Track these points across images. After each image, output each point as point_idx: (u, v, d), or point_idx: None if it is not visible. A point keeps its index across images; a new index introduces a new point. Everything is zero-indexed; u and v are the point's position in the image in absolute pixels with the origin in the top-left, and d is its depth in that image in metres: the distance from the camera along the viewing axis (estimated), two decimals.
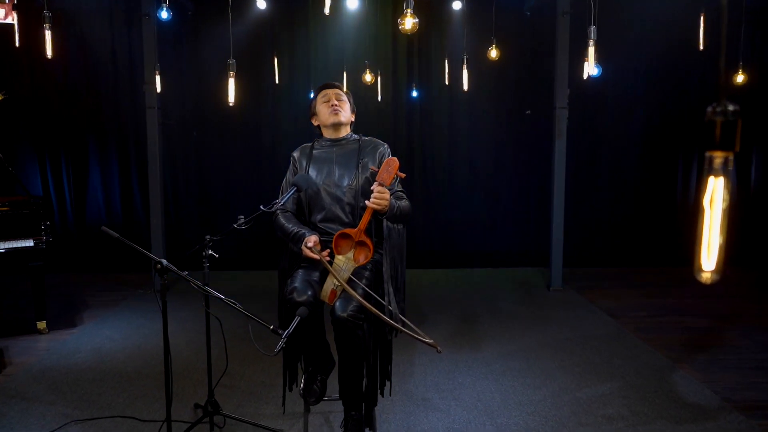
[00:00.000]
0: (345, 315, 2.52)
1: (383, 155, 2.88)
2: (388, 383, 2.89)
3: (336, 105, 2.89)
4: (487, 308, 5.29)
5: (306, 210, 2.83)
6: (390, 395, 2.99)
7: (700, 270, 0.92)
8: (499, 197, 7.05)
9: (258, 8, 5.26)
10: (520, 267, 6.90)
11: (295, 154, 2.96)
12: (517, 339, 4.46)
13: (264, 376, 3.71)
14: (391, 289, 2.61)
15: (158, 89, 5.09)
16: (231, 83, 3.53)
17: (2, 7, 4.81)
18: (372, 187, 2.58)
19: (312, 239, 2.66)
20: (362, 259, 2.64)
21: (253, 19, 6.28)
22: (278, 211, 2.80)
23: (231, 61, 3.50)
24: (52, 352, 4.14)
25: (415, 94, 6.80)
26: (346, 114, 2.94)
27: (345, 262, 2.63)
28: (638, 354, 4.12)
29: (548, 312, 5.17)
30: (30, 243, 4.33)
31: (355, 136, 2.96)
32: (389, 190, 2.73)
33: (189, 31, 6.56)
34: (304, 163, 2.87)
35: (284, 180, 2.94)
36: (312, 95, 3.02)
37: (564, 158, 5.76)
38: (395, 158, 2.64)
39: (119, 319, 4.95)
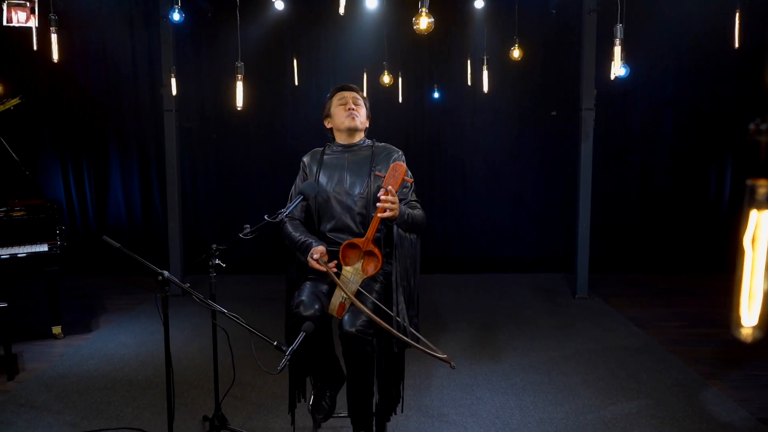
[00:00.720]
0: (353, 330, 2.40)
1: (399, 156, 2.76)
2: (400, 400, 2.77)
3: (353, 109, 2.76)
4: (508, 316, 5.12)
5: (315, 218, 2.71)
6: (402, 412, 2.86)
7: (739, 325, 0.76)
8: (522, 200, 6.87)
9: (276, 9, 5.17)
10: (544, 272, 6.71)
11: (306, 159, 2.84)
12: (539, 350, 4.29)
13: (275, 386, 3.61)
14: (401, 299, 2.48)
15: (174, 92, 5.04)
16: (239, 87, 3.43)
17: (23, 11, 4.81)
18: (379, 194, 2.46)
19: (318, 250, 2.54)
20: (371, 270, 2.52)
21: (271, 20, 6.21)
22: (286, 219, 2.69)
23: (239, 64, 3.39)
24: (65, 359, 4.10)
25: (436, 95, 6.66)
26: (362, 119, 2.81)
27: (353, 273, 2.51)
28: (667, 368, 3.92)
29: (572, 321, 4.98)
30: (44, 248, 4.31)
31: (369, 141, 2.83)
32: (402, 198, 2.60)
33: (209, 33, 6.52)
34: (315, 169, 2.76)
35: (293, 186, 2.84)
36: (327, 96, 2.89)
37: (590, 161, 5.56)
38: (402, 163, 2.50)
39: (135, 323, 4.91)
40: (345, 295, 2.46)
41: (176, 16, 4.00)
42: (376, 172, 2.59)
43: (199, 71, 6.59)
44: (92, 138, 6.73)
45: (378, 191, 2.58)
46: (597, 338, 4.55)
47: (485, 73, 5.14)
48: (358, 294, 2.49)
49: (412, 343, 2.35)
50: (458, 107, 6.73)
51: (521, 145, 6.80)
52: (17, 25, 4.86)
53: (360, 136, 2.82)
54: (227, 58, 6.51)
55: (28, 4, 4.66)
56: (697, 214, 6.72)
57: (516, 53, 5.44)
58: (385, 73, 5.32)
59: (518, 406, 3.37)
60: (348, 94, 2.80)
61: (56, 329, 4.52)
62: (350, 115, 2.76)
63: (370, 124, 2.89)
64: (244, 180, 6.83)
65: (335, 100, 2.82)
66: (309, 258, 2.55)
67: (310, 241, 2.61)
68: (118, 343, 4.45)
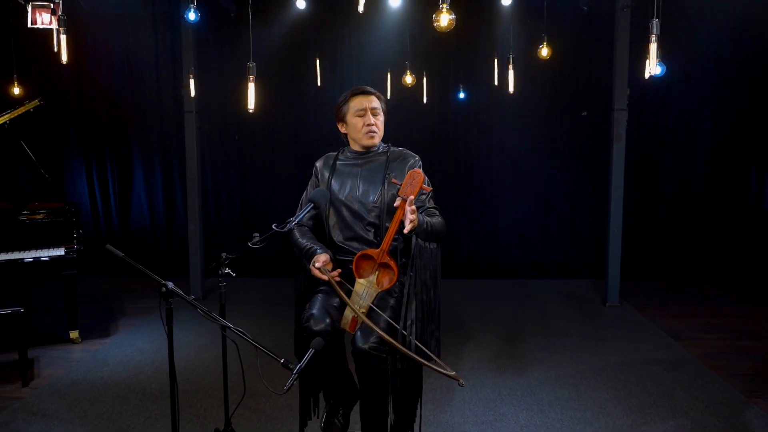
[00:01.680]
0: (366, 347, 2.26)
1: (414, 162, 2.60)
2: (417, 419, 2.62)
3: (372, 126, 2.57)
4: (535, 325, 4.92)
5: (326, 227, 2.58)
6: (420, 430, 2.71)
7: None
8: (550, 203, 6.64)
9: (298, 9, 5.05)
10: (573, 278, 6.47)
11: (318, 165, 2.71)
12: (567, 362, 4.09)
13: (291, 399, 3.47)
14: (412, 314, 2.32)
15: (192, 93, 4.96)
16: (251, 88, 3.30)
17: (46, 12, 4.79)
18: (395, 203, 2.31)
19: (322, 258, 2.41)
20: (386, 284, 2.38)
21: (293, 20, 6.10)
22: (294, 226, 2.56)
23: (251, 65, 3.26)
24: (80, 364, 4.05)
25: (461, 95, 6.47)
26: (381, 133, 2.65)
27: (366, 286, 2.37)
28: (705, 385, 3.69)
29: (603, 331, 4.76)
30: (61, 252, 4.27)
31: (384, 147, 2.68)
32: (419, 205, 2.45)
33: (231, 34, 6.44)
34: (327, 175, 2.62)
35: (305, 192, 2.71)
36: (343, 98, 2.68)
37: (622, 163, 5.33)
38: (420, 170, 2.34)
39: (153, 328, 4.84)
40: (355, 311, 2.32)
41: (192, 16, 3.91)
42: (392, 180, 2.44)
43: (222, 72, 6.52)
44: (116, 140, 6.72)
45: (392, 199, 2.43)
46: (628, 350, 4.33)
47: (511, 73, 4.95)
48: (371, 311, 2.36)
49: (422, 360, 2.20)
50: (484, 107, 6.54)
51: (549, 147, 6.57)
52: (41, 27, 4.86)
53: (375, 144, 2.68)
54: (249, 59, 6.44)
55: (52, 5, 4.64)
56: (736, 218, 6.41)
57: (545, 52, 5.24)
58: (408, 73, 5.16)
59: (544, 423, 3.19)
60: (366, 103, 2.59)
61: (74, 334, 4.48)
62: (369, 133, 2.59)
63: (386, 125, 2.73)
64: (267, 182, 6.74)
65: (353, 109, 2.61)
66: (311, 266, 2.42)
67: (316, 248, 2.48)
68: (134, 348, 4.39)
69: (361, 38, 6.41)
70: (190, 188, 5.70)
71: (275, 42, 6.20)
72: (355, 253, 2.45)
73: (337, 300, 2.46)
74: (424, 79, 6.12)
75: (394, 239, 2.40)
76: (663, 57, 5.16)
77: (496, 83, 6.13)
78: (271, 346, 2.34)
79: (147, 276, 2.28)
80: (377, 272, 2.39)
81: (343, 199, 2.53)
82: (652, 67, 2.58)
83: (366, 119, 2.58)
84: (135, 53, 6.58)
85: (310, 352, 2.17)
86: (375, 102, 2.61)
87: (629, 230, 5.88)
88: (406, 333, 2.29)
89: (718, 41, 6.10)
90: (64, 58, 3.09)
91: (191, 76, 4.88)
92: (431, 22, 2.75)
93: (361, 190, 2.53)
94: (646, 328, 4.84)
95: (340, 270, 2.47)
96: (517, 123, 6.53)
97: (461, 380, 2.15)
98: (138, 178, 6.79)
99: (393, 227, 2.32)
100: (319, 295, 2.50)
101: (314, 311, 2.39)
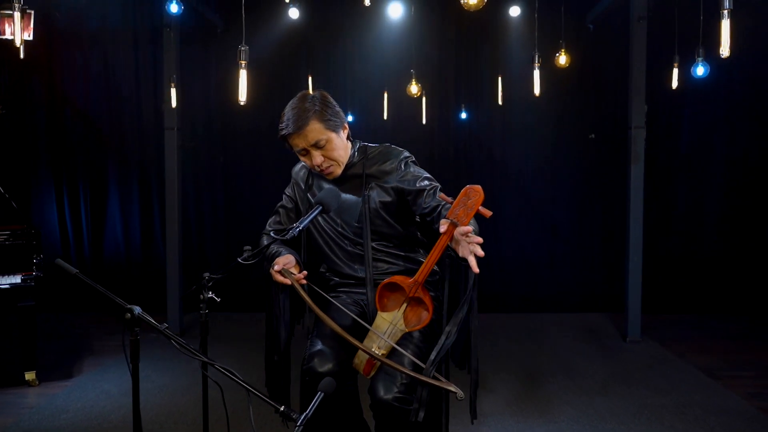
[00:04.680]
0: (389, 398, 1.77)
1: (401, 167, 2.11)
2: None
3: (321, 164, 2.08)
4: (553, 363, 4.42)
5: (303, 253, 2.15)
6: None
7: None
8: (558, 231, 6.20)
9: (290, 18, 4.67)
10: (585, 312, 6.00)
11: (296, 169, 2.33)
12: (599, 405, 3.59)
13: None
14: (447, 338, 1.83)
15: (173, 103, 4.49)
16: (243, 76, 2.82)
17: (25, 21, 4.33)
18: (457, 234, 1.77)
19: (282, 260, 1.98)
20: (415, 323, 1.88)
21: (285, 36, 5.69)
22: (263, 233, 2.22)
23: (243, 48, 2.75)
24: (34, 411, 3.46)
25: (463, 115, 6.09)
26: (342, 157, 2.13)
27: (390, 325, 1.87)
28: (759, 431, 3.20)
29: (630, 369, 4.27)
30: (17, 279, 3.71)
31: (357, 154, 2.18)
32: (433, 206, 1.99)
33: (218, 50, 6.03)
34: (310, 182, 2.21)
35: (284, 197, 2.34)
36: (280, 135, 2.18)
37: (641, 185, 4.93)
38: (479, 187, 1.79)
39: (123, 368, 4.20)
40: (376, 349, 1.83)
41: (174, 8, 3.48)
42: (440, 195, 1.94)
43: (207, 90, 6.08)
44: (91, 162, 6.20)
45: (376, 218, 2.06)
46: (665, 390, 3.83)
47: (537, 73, 4.59)
48: (392, 352, 1.87)
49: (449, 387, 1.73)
50: (487, 128, 6.15)
51: (556, 171, 6.17)
52: (10, 37, 4.40)
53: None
54: (238, 77, 6.02)
55: (23, 15, 4.18)
56: (755, 248, 6.00)
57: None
58: (413, 82, 4.75)
59: None
60: (302, 143, 2.08)
61: (29, 375, 3.87)
62: (324, 173, 2.13)
63: (353, 130, 2.25)
64: (254, 209, 6.21)
65: (294, 149, 2.15)
66: (271, 270, 1.99)
67: (281, 250, 2.06)
68: (100, 392, 3.79)
69: (356, 51, 6.02)
70: (170, 212, 5.18)
71: (265, 59, 5.78)
72: (360, 276, 2.01)
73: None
74: (424, 99, 5.73)
75: (434, 271, 1.93)
76: (682, 74, 4.85)
77: (500, 103, 5.78)
78: (262, 390, 1.83)
79: (115, 304, 1.78)
80: (405, 308, 1.89)
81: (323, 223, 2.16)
82: (725, 49, 2.18)
83: (313, 160, 2.10)
84: (114, 70, 6.12)
85: (319, 396, 1.66)
86: (312, 134, 2.06)
87: (644, 259, 5.43)
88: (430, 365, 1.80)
89: (740, 53, 5.68)
90: (18, 40, 2.62)
91: (172, 85, 4.41)
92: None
93: (340, 219, 2.16)
94: (677, 365, 4.36)
95: (306, 273, 2.02)
96: (521, 145, 6.14)
97: (459, 392, 1.71)
98: (113, 203, 6.25)
99: (434, 256, 1.82)
100: (323, 326, 2.00)
101: (319, 347, 1.89)
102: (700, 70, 2.84)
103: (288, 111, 2.13)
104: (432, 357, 1.77)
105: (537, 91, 4.73)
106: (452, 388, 1.72)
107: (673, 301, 5.99)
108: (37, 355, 3.93)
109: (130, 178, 6.23)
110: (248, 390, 1.68)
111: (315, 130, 2.05)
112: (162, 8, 4.58)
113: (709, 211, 6.03)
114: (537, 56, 4.63)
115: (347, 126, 2.19)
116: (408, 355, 1.82)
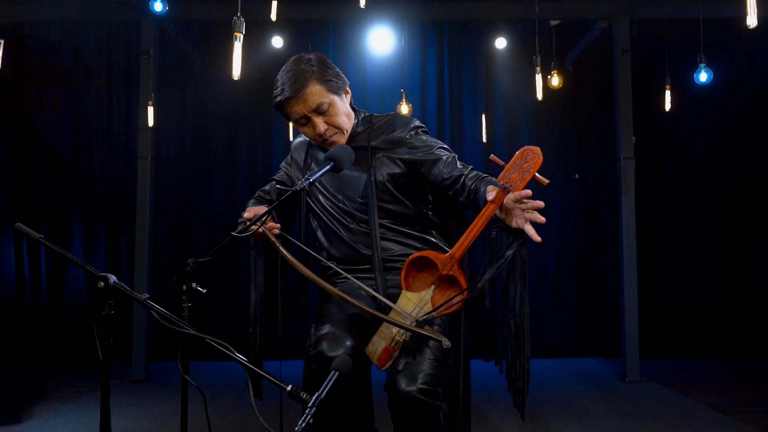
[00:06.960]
0: (413, 390, 1.49)
1: (410, 137, 1.91)
2: None
3: (325, 132, 1.84)
4: (555, 401, 4.11)
5: (302, 235, 1.94)
6: None
7: None
8: (544, 275, 5.99)
9: (274, 46, 4.55)
10: (574, 357, 5.71)
11: (295, 144, 2.10)
12: None
13: None
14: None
15: (150, 122, 4.24)
16: (237, 49, 2.59)
17: None
18: (508, 201, 1.58)
19: (255, 209, 1.79)
20: (446, 307, 1.63)
21: (266, 69, 5.56)
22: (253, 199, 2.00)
23: (238, 19, 2.52)
24: None
25: None
26: (346, 124, 1.90)
27: (416, 308, 1.61)
28: None
29: (637, 406, 3.99)
30: None
31: (362, 125, 1.94)
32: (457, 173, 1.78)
33: (195, 87, 5.88)
34: (304, 161, 1.98)
35: (274, 177, 2.08)
36: (273, 105, 1.96)
37: (633, 218, 4.82)
38: (537, 149, 1.63)
39: (77, 414, 3.78)
40: (395, 337, 1.56)
41: (158, 6, 3.31)
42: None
43: (182, 134, 5.85)
44: (54, 200, 5.85)
45: (384, 192, 1.85)
46: (677, 425, 3.56)
47: (539, 77, 4.54)
48: (411, 341, 1.61)
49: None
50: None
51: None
52: None
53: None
54: (216, 116, 5.84)
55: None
56: (742, 290, 5.88)
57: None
58: (403, 102, 4.62)
59: None
60: (302, 108, 1.83)
61: None
62: (326, 142, 1.88)
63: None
64: (233, 251, 5.89)
65: (292, 118, 1.90)
66: (239, 221, 1.78)
67: (253, 201, 1.94)
68: None
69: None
70: (139, 251, 4.80)
71: (244, 95, 5.64)
72: (365, 254, 1.76)
73: (354, 311, 1.68)
74: None
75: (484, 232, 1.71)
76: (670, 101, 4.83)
77: (485, 140, 5.71)
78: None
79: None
80: (435, 288, 1.64)
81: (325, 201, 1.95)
82: (752, 19, 2.08)
83: (315, 128, 1.86)
84: (85, 107, 5.89)
85: (333, 374, 1.36)
86: (312, 97, 1.82)
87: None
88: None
89: (727, 83, 5.62)
90: None
91: (150, 103, 4.17)
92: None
93: (342, 195, 1.93)
94: (684, 402, 4.10)
95: (279, 226, 1.80)
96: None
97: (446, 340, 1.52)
98: (77, 244, 5.86)
99: (477, 227, 1.60)
100: (330, 306, 1.72)
101: (327, 329, 1.61)
102: (703, 76, 2.80)
103: (282, 75, 1.88)
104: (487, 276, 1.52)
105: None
106: (443, 340, 1.53)
107: (669, 345, 5.76)
108: None
109: (96, 219, 5.88)
110: (247, 367, 1.37)
111: (315, 92, 1.81)
112: (139, 33, 4.44)
113: (696, 247, 5.92)
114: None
115: (350, 90, 1.96)
116: (439, 336, 1.54)
